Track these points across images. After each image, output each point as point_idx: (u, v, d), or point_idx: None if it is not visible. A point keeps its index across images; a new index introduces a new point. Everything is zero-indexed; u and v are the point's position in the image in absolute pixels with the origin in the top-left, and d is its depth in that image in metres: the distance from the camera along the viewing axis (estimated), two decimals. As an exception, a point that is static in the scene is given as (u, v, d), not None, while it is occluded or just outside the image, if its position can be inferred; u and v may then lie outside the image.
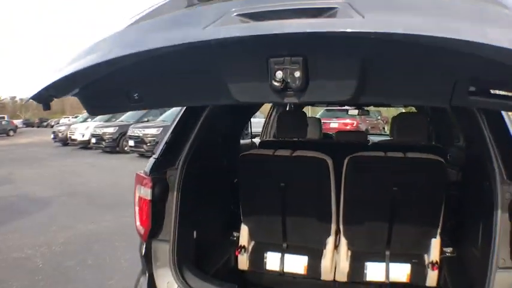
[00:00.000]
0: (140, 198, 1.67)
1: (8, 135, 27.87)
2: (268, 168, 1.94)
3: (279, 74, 0.84)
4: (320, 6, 0.70)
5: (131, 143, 11.97)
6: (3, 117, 32.60)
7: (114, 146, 13.29)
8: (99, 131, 13.75)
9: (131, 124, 12.72)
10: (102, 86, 1.04)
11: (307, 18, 0.70)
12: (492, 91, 0.84)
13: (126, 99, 1.10)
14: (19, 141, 21.80)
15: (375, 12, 0.70)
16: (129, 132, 12.18)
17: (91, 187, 7.39)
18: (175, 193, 1.67)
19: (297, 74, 0.84)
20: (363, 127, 13.78)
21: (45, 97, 1.00)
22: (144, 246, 1.67)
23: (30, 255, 3.83)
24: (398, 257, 1.82)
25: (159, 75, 1.02)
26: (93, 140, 14.10)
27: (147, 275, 1.66)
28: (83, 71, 0.87)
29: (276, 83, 0.86)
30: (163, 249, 1.64)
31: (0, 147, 17.02)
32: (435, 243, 1.80)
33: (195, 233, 1.83)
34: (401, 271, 1.80)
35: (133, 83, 1.06)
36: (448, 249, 1.88)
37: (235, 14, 0.76)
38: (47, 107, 1.07)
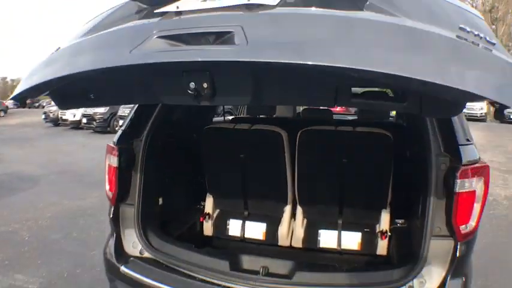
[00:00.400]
0: (109, 166, 1.81)
1: None
2: (229, 140, 2.04)
3: (192, 85, 1.05)
4: (220, 30, 0.93)
5: (122, 123, 11.94)
6: None
7: (105, 126, 13.29)
8: (90, 111, 13.69)
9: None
10: (62, 90, 1.25)
11: (209, 44, 0.93)
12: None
13: (84, 98, 1.32)
14: (9, 122, 21.61)
15: (258, 38, 0.91)
16: (120, 112, 12.16)
17: (80, 166, 7.46)
18: (139, 162, 1.79)
19: (205, 85, 1.05)
20: (352, 110, 13.97)
21: (20, 98, 1.28)
22: (112, 209, 1.80)
23: (17, 229, 3.94)
24: (350, 226, 1.95)
25: (104, 83, 1.24)
26: (84, 120, 14.08)
27: (114, 236, 1.79)
28: (42, 83, 1.12)
29: (190, 91, 1.06)
30: (130, 213, 1.77)
31: (-10, 128, 16.91)
32: (385, 214, 1.92)
33: (160, 199, 1.95)
34: (352, 239, 1.93)
35: (86, 87, 1.26)
36: (400, 221, 2.00)
37: (155, 36, 0.97)
38: (24, 104, 1.44)
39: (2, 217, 4.32)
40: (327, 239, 1.95)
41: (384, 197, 1.90)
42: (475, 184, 1.41)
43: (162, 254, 1.70)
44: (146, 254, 1.72)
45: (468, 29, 0.94)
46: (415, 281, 1.41)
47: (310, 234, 1.98)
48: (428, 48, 0.86)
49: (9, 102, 34.19)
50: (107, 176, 1.83)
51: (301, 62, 0.83)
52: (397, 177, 1.86)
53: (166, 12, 1.05)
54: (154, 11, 1.07)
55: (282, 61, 0.85)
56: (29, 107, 39.97)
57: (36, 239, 3.69)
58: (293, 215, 2.06)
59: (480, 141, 11.47)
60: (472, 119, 18.99)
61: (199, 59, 0.91)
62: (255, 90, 1.09)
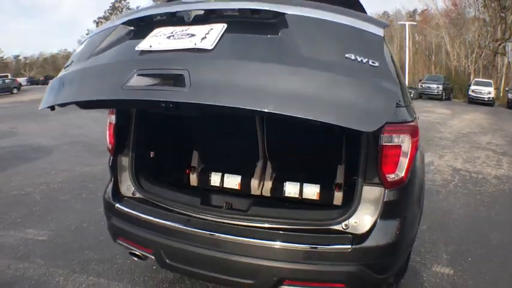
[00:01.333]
0: (109, 123, 2.13)
1: (11, 93, 28.06)
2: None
3: (163, 105, 1.46)
4: (175, 73, 1.34)
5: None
6: (6, 76, 32.66)
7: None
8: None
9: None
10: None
11: (170, 85, 1.35)
12: None
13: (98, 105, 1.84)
14: (23, 98, 22.16)
15: (197, 82, 1.27)
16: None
17: (91, 137, 7.77)
18: (133, 120, 2.07)
19: (171, 105, 1.45)
20: None
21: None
22: (111, 159, 2.12)
23: (29, 192, 4.29)
24: (311, 180, 2.23)
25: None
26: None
27: (112, 180, 2.11)
28: (59, 104, 1.57)
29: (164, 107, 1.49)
30: (126, 162, 2.08)
31: (4, 105, 17.39)
32: (340, 169, 2.21)
33: (152, 153, 2.24)
34: (312, 191, 2.21)
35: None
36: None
37: (136, 74, 1.37)
38: (37, 81, 1.88)
39: (16, 182, 4.67)
40: (291, 189, 2.24)
41: (339, 155, 2.19)
42: (401, 140, 1.61)
43: (150, 193, 2.01)
44: (137, 195, 2.04)
45: (353, 57, 1.26)
46: (350, 220, 1.64)
47: (277, 185, 2.30)
48: (311, 91, 1.24)
49: (21, 80, 34.76)
50: (107, 132, 2.15)
51: (230, 106, 1.25)
52: (349, 137, 2.07)
53: (142, 50, 1.45)
54: (135, 48, 1.46)
55: (213, 104, 1.27)
56: (43, 84, 40.62)
57: (47, 200, 4.03)
58: (264, 169, 2.37)
59: (483, 123, 11.47)
60: (480, 102, 18.86)
61: (162, 99, 1.39)
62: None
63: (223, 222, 1.74)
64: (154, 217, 1.84)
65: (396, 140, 1.61)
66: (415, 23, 34.81)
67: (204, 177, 2.46)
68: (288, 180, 2.25)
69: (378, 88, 1.25)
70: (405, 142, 1.62)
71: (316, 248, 1.60)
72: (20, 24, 79.71)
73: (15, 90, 29.00)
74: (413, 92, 19.61)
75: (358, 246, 1.58)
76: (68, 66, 1.69)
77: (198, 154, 2.54)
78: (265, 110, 1.22)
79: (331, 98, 1.23)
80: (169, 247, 1.79)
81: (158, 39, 1.47)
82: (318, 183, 2.22)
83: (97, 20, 53.56)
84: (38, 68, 64.57)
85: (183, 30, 1.48)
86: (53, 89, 1.64)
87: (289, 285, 1.64)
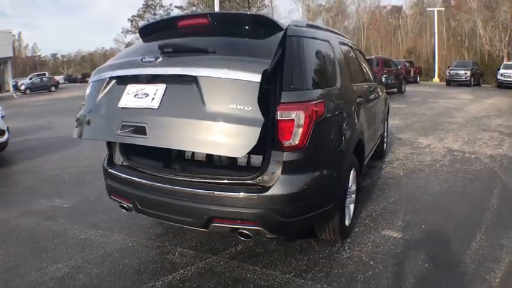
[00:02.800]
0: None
1: (49, 91, 29.80)
2: None
3: None
4: (140, 125, 2.11)
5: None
6: (44, 74, 34.73)
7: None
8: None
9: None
10: None
11: (140, 133, 2.12)
12: None
13: None
14: (60, 96, 23.86)
15: (152, 132, 2.08)
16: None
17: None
18: None
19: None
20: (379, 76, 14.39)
21: None
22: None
23: (60, 173, 5.07)
24: None
25: None
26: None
27: (108, 154, 2.74)
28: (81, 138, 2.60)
29: None
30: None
31: (43, 102, 18.95)
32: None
33: None
34: (243, 157, 2.65)
35: None
36: None
37: (121, 124, 2.17)
38: (74, 79, 3.63)
39: (49, 166, 5.49)
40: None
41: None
42: (294, 115, 2.09)
43: (132, 161, 2.60)
44: (124, 163, 2.64)
45: (234, 106, 1.93)
46: (263, 176, 2.13)
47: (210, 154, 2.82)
48: (208, 135, 1.98)
49: (59, 78, 36.72)
50: None
51: (169, 148, 2.25)
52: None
53: (122, 107, 2.22)
54: (118, 105, 2.23)
55: (160, 146, 2.16)
56: (80, 82, 42.90)
57: (74, 179, 4.77)
58: None
59: (503, 107, 11.24)
60: (509, 86, 18.30)
61: (137, 143, 2.18)
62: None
63: (175, 179, 2.31)
64: (132, 177, 2.46)
65: (289, 116, 2.09)
66: (443, 9, 33.51)
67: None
68: None
69: (245, 129, 1.88)
70: (298, 117, 2.10)
71: (235, 195, 2.12)
72: (57, 22, 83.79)
73: (53, 88, 30.67)
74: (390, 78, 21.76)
75: (262, 194, 2.08)
76: (83, 104, 2.53)
77: None
78: (187, 149, 2.41)
79: (218, 139, 1.96)
80: (141, 197, 2.40)
81: (130, 98, 2.23)
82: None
83: (131, 19, 54.73)
84: (75, 66, 67.68)
85: (142, 89, 2.21)
86: (78, 123, 2.52)
87: (217, 223, 2.18)
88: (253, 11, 48.23)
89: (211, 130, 1.95)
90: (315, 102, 2.22)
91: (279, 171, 2.11)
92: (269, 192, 2.09)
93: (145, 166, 2.51)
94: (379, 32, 42.89)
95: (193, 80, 2.03)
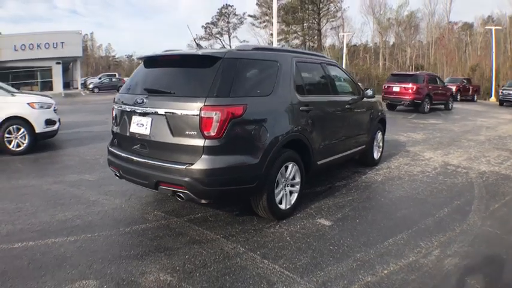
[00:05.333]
0: (112, 109, 3.72)
1: (118, 91, 32.60)
2: None
3: None
4: (144, 143, 3.35)
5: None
6: (114, 75, 37.80)
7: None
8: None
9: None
10: None
11: (142, 148, 3.36)
12: None
13: None
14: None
15: (149, 149, 3.34)
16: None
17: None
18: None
19: None
20: (423, 92, 14.61)
21: None
22: (112, 131, 3.78)
23: (97, 158, 6.31)
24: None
25: None
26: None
27: (111, 139, 3.82)
28: None
29: None
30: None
31: (106, 100, 21.13)
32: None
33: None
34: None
35: None
36: None
37: (133, 147, 3.44)
38: None
39: (91, 153, 6.79)
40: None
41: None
42: (213, 114, 2.90)
43: (119, 146, 3.67)
44: (117, 146, 3.71)
45: (188, 132, 3.11)
46: (197, 161, 2.95)
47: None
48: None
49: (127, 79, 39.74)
50: (110, 117, 3.79)
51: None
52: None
53: (131, 132, 3.44)
54: (130, 131, 3.44)
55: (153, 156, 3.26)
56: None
57: (104, 162, 5.96)
58: None
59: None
60: None
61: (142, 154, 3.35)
62: None
63: (140, 156, 3.29)
64: (119, 152, 3.50)
65: (210, 114, 2.91)
66: (499, 27, 31.12)
67: None
68: None
69: (193, 147, 3.02)
70: (215, 115, 2.91)
71: (172, 167, 3.00)
72: (132, 24, 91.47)
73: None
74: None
75: (189, 168, 2.92)
76: (113, 122, 3.79)
77: None
78: (164, 158, 3.18)
79: (180, 153, 3.07)
80: (123, 167, 3.39)
81: (134, 127, 3.37)
82: None
83: (205, 25, 57.14)
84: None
85: (141, 120, 3.31)
86: (113, 134, 3.83)
87: (162, 186, 3.08)
88: (324, 22, 48.21)
89: (176, 147, 3.07)
90: (233, 106, 3.00)
91: (202, 152, 2.94)
92: (193, 167, 2.94)
93: (125, 150, 3.52)
94: (446, 48, 40.85)
95: (164, 115, 3.11)
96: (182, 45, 71.92)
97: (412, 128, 10.46)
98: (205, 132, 2.93)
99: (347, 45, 39.42)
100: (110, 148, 3.73)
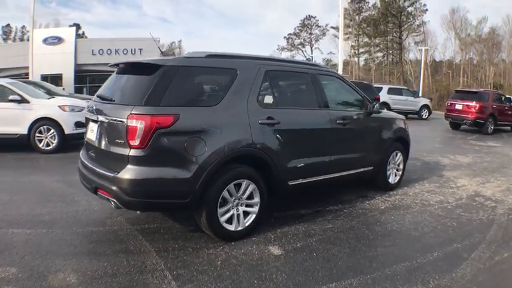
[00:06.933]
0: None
1: None
2: None
3: None
4: (95, 150, 3.47)
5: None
6: None
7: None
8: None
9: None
10: None
11: (94, 155, 3.50)
12: None
13: None
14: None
15: (96, 154, 3.47)
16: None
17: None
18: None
19: None
20: (487, 111, 13.50)
21: None
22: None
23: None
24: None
25: None
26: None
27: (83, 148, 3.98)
28: None
29: None
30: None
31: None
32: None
33: None
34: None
35: None
36: None
37: (90, 152, 3.60)
38: None
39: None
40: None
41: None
42: (138, 123, 2.90)
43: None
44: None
45: (118, 140, 3.16)
46: (122, 170, 2.95)
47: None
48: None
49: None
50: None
51: None
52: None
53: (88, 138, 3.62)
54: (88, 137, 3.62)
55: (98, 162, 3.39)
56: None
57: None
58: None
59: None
60: None
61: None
62: None
63: (91, 159, 3.46)
64: (82, 157, 3.73)
65: (135, 123, 2.88)
66: None
67: None
68: None
69: (120, 155, 3.06)
70: (139, 124, 2.88)
71: (104, 174, 3.08)
72: (222, 33, 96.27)
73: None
74: None
75: (116, 176, 2.94)
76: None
77: None
78: (103, 165, 3.26)
79: (112, 160, 3.15)
80: (80, 171, 3.62)
81: (89, 133, 3.53)
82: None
83: (287, 36, 58.15)
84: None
85: (93, 127, 3.42)
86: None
87: (99, 192, 3.18)
88: (404, 35, 47.42)
89: (110, 155, 3.14)
90: (161, 115, 2.93)
91: (126, 162, 2.94)
92: (119, 175, 2.96)
93: (85, 155, 3.68)
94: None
95: (104, 122, 3.22)
96: (265, 54, 73.19)
97: (464, 150, 9.39)
98: (130, 142, 2.92)
99: (429, 60, 39.11)
100: (80, 154, 3.87)
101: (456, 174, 6.38)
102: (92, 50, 26.54)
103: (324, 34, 55.75)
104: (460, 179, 6.08)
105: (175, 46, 58.46)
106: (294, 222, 3.92)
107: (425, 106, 20.08)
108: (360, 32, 50.09)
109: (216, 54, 3.54)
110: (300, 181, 3.88)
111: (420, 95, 26.74)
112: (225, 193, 3.26)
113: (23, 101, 7.19)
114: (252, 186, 3.42)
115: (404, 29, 46.41)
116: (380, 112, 4.79)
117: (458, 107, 13.61)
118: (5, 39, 58.81)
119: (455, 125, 14.29)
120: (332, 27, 53.13)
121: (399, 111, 19.30)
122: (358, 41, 51.69)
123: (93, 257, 2.98)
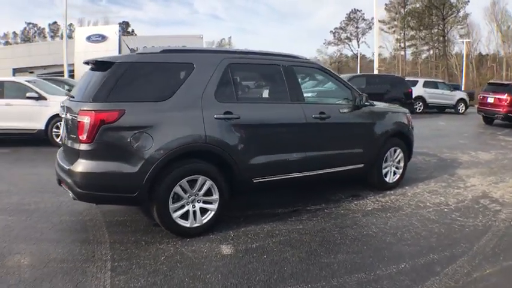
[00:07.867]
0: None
1: None
2: None
3: None
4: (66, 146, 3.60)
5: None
6: None
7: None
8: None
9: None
10: None
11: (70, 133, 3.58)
12: None
13: None
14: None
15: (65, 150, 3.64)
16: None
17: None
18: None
19: None
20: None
21: None
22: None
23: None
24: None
25: None
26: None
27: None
28: None
29: None
30: None
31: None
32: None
33: None
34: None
35: None
36: None
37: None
38: None
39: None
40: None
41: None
42: (85, 119, 3.04)
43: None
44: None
45: (74, 136, 3.30)
46: (74, 164, 3.16)
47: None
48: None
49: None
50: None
51: None
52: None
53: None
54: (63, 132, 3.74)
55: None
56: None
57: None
58: None
59: None
60: None
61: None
62: None
63: (62, 153, 3.67)
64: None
65: (82, 119, 3.04)
66: None
67: None
68: None
69: (78, 150, 3.20)
70: (85, 120, 3.02)
71: (64, 167, 3.28)
72: (272, 29, 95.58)
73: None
74: None
75: (70, 168, 3.15)
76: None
77: None
78: (69, 162, 3.33)
79: (73, 156, 3.29)
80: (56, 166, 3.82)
81: (62, 128, 3.76)
82: None
83: (333, 31, 57.61)
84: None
85: (63, 124, 3.65)
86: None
87: (62, 185, 3.41)
88: (448, 27, 46.58)
89: (69, 149, 3.39)
90: (105, 111, 3.03)
91: (78, 155, 3.13)
92: (71, 168, 3.16)
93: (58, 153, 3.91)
94: None
95: (66, 119, 3.49)
96: (312, 49, 72.94)
97: (488, 146, 8.59)
98: (79, 136, 3.09)
99: (474, 53, 38.71)
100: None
101: (470, 173, 5.78)
102: (137, 48, 27.67)
103: (370, 28, 54.21)
104: (472, 178, 5.51)
105: (225, 43, 59.52)
106: (264, 221, 3.84)
107: (461, 100, 18.76)
108: (405, 25, 49.16)
109: (172, 49, 3.56)
110: (267, 179, 3.77)
111: (463, 88, 24.96)
112: (177, 189, 3.28)
113: (40, 98, 7.84)
114: (209, 183, 3.40)
115: (447, 21, 45.24)
116: (368, 105, 4.45)
117: (490, 100, 12.71)
118: (52, 37, 62.81)
119: (488, 120, 13.29)
120: (379, 21, 52.22)
121: (434, 106, 18.27)
122: (404, 34, 50.45)
123: (52, 244, 3.23)
